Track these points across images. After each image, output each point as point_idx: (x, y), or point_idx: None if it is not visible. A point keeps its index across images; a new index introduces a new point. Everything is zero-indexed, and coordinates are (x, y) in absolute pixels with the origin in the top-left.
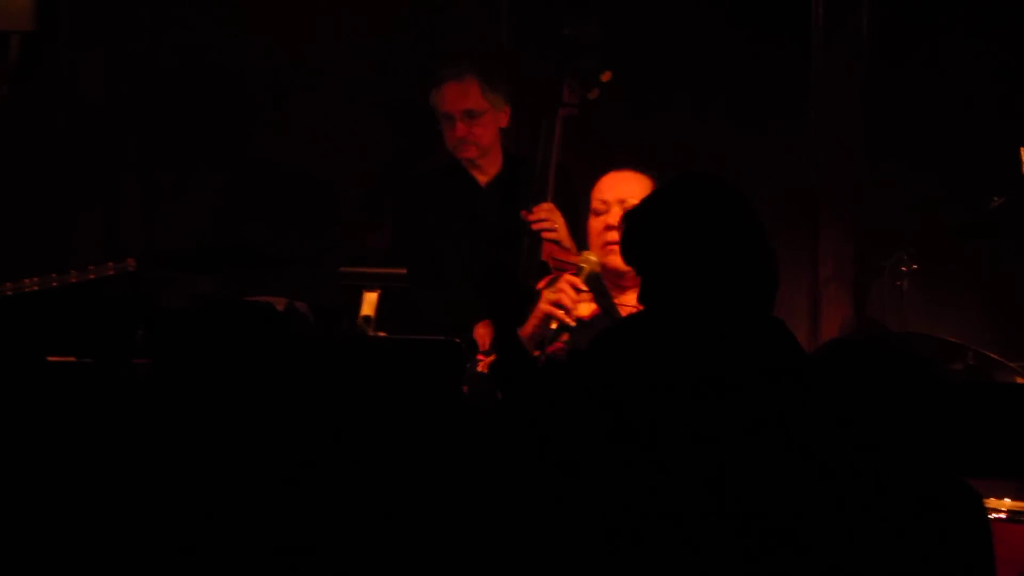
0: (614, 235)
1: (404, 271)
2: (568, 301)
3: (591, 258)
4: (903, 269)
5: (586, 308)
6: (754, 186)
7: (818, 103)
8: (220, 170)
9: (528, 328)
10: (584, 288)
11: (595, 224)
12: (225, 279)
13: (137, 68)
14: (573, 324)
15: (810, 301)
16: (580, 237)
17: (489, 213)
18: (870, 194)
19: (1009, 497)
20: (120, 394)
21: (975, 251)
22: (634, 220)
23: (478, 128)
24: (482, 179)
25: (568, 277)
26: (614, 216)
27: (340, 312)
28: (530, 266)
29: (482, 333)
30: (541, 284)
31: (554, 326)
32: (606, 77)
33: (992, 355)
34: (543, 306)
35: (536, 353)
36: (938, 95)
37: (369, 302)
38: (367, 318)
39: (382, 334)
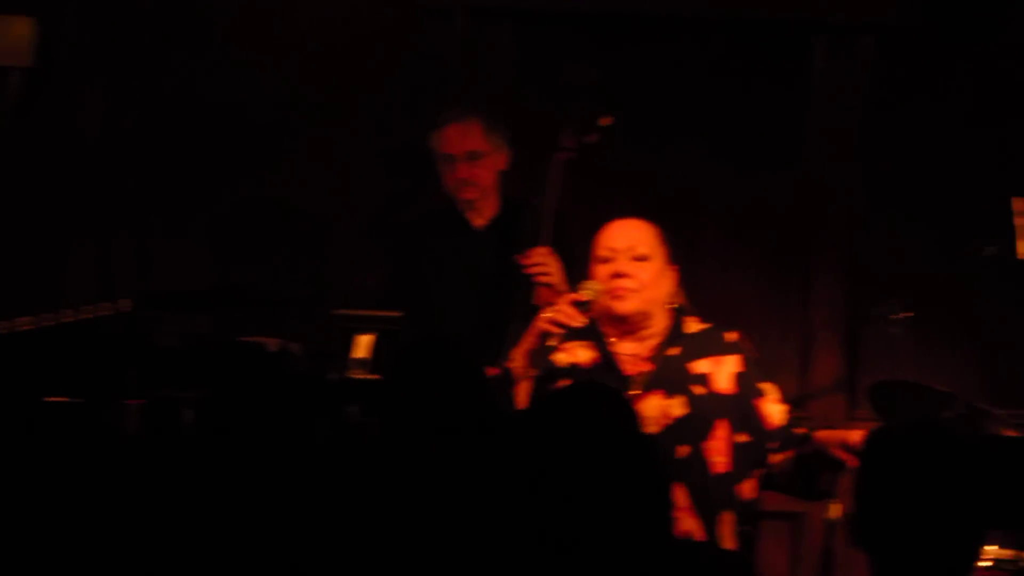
0: (622, 282)
1: (398, 314)
2: (565, 318)
3: (596, 286)
4: (894, 317)
5: (585, 355)
6: (749, 230)
7: (814, 149)
8: (216, 209)
9: (525, 345)
10: (584, 300)
11: (602, 271)
12: (219, 320)
13: (135, 105)
14: (562, 333)
15: (801, 346)
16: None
17: (485, 256)
18: (863, 241)
19: (997, 545)
20: (113, 433)
21: (967, 299)
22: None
23: (479, 170)
24: (479, 222)
25: (567, 296)
26: (622, 264)
27: (333, 354)
28: (524, 309)
29: None
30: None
31: (553, 343)
32: (605, 122)
33: (981, 405)
34: (540, 323)
35: (534, 372)
36: (933, 144)
37: (363, 345)
38: (361, 360)
39: (377, 376)
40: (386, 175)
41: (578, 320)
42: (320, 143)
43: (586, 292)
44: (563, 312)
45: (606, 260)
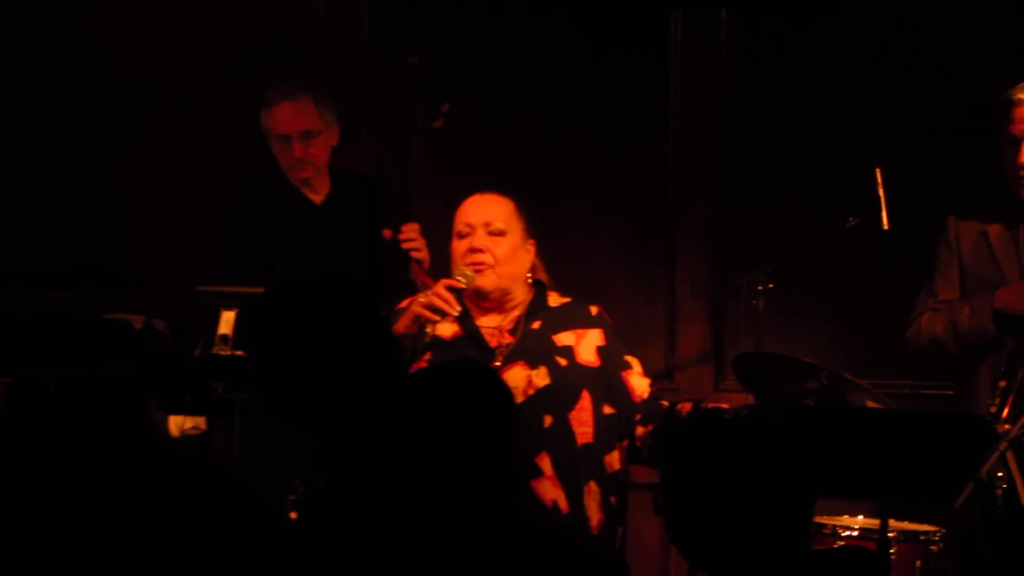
0: (479, 256)
1: (263, 290)
2: (441, 303)
3: (467, 272)
4: (759, 288)
5: (448, 329)
6: (612, 202)
7: (676, 120)
8: (77, 187)
9: (399, 327)
10: (461, 286)
11: (459, 246)
12: (82, 297)
13: None
14: (438, 320)
15: (667, 319)
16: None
17: (327, 231)
18: (727, 213)
19: (862, 515)
20: None
21: (830, 271)
22: None
23: (314, 148)
24: (315, 198)
25: (444, 280)
26: (479, 239)
27: (198, 330)
28: (397, 284)
29: None
30: (402, 303)
31: (429, 329)
32: (445, 108)
33: (845, 374)
34: (415, 307)
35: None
36: (796, 113)
37: (227, 321)
38: (224, 337)
39: (240, 353)
40: (252, 149)
41: (454, 307)
42: (184, 117)
43: (461, 278)
44: (439, 297)
45: (463, 235)
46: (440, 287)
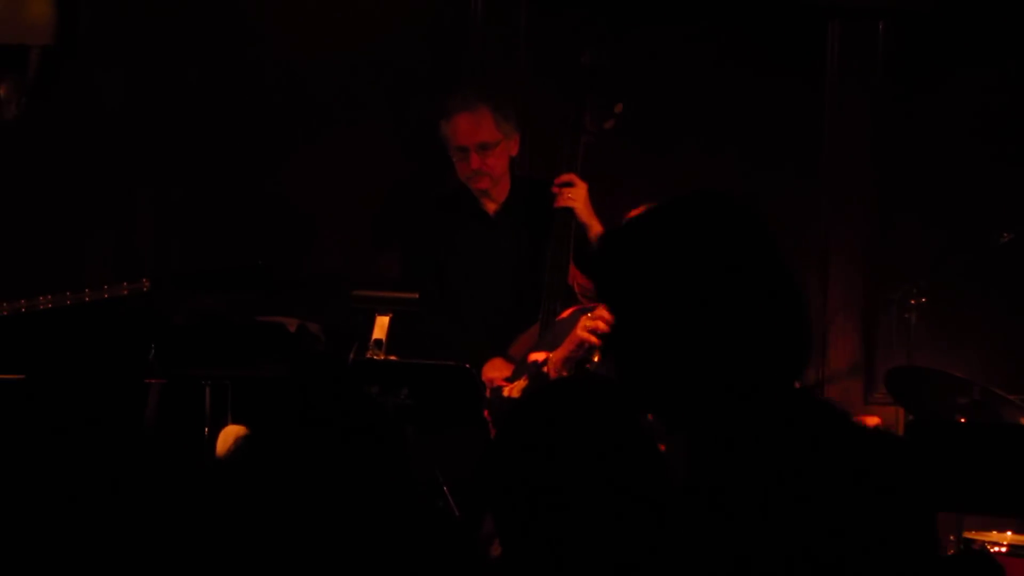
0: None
1: (416, 295)
2: (605, 327)
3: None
4: (912, 302)
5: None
6: (767, 217)
7: (831, 138)
8: (236, 190)
9: (563, 352)
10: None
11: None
12: (239, 300)
13: (157, 84)
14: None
15: (819, 331)
16: None
17: (500, 241)
18: (881, 227)
19: (1011, 531)
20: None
21: (983, 286)
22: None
23: (492, 159)
24: (491, 206)
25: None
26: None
27: (352, 335)
28: (555, 286)
29: (494, 368)
30: (564, 314)
31: (596, 359)
32: (618, 108)
33: (997, 390)
34: (580, 332)
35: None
36: (951, 130)
37: (380, 325)
38: (378, 341)
39: (393, 358)
40: (403, 157)
41: None
42: (341, 125)
43: None
44: (603, 321)
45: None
46: (603, 310)
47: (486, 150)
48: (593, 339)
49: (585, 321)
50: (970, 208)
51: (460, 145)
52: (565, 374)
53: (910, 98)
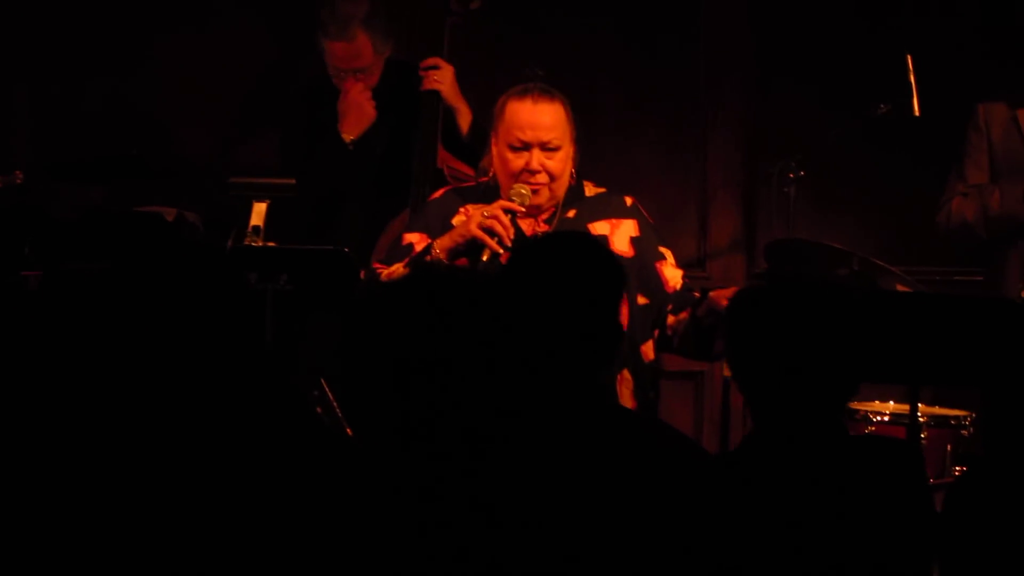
0: (538, 178)
1: (292, 180)
2: (501, 229)
3: (524, 191)
4: (790, 176)
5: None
6: (644, 93)
7: (708, 11)
8: (109, 81)
9: (448, 241)
10: (519, 209)
11: (513, 160)
12: (114, 190)
13: None
14: (502, 252)
15: (699, 209)
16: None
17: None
18: (758, 102)
19: (893, 400)
20: (8, 306)
21: (861, 158)
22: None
23: (368, 78)
24: None
25: (501, 202)
26: (536, 159)
27: (230, 222)
28: (423, 171)
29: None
30: (436, 195)
31: (485, 257)
32: None
33: (876, 261)
34: (473, 229)
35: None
36: (828, 1)
37: (258, 212)
38: (256, 228)
39: (271, 244)
40: (271, 41)
41: (511, 233)
42: (207, 13)
43: (516, 198)
44: (499, 223)
45: (516, 149)
46: (498, 210)
47: (363, 72)
48: (487, 238)
49: (480, 219)
50: (848, 80)
51: (339, 68)
52: (447, 262)
53: None
